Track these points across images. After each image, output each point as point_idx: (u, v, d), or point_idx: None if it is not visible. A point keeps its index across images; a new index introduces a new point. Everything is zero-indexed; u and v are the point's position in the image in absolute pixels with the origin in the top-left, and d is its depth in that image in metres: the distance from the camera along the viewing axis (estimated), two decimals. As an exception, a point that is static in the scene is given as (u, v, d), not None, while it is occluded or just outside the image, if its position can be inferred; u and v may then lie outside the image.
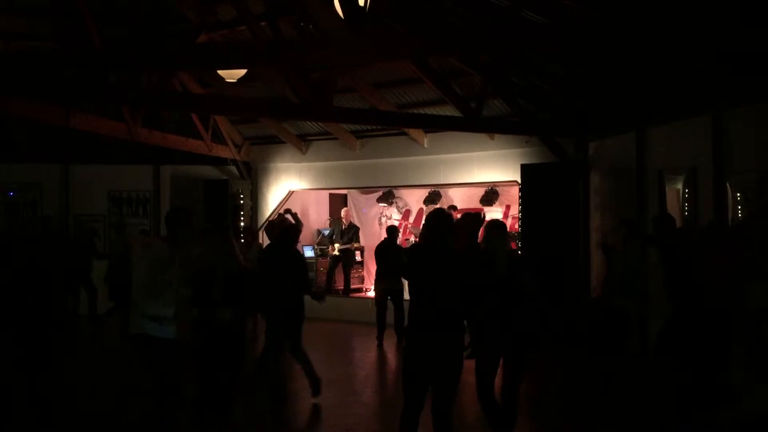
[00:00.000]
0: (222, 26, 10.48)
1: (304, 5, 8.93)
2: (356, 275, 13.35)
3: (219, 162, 13.62)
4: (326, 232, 13.83)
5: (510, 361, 5.25)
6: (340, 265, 13.11)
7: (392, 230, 10.85)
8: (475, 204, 13.09)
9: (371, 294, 13.01)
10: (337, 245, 13.03)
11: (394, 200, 14.29)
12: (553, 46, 6.46)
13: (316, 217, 14.67)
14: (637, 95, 8.54)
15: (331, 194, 14.90)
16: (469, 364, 4.92)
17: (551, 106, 10.08)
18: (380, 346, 10.10)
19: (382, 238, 10.99)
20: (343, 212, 13.60)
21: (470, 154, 11.53)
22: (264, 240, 11.45)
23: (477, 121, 10.08)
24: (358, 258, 13.38)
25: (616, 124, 9.45)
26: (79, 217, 12.53)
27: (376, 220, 14.17)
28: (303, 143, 13.42)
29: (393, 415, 6.51)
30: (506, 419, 5.31)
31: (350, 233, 13.09)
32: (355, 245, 13.02)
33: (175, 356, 5.03)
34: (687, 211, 8.06)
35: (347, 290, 12.99)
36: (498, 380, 5.28)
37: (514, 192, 11.57)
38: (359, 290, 13.26)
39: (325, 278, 13.17)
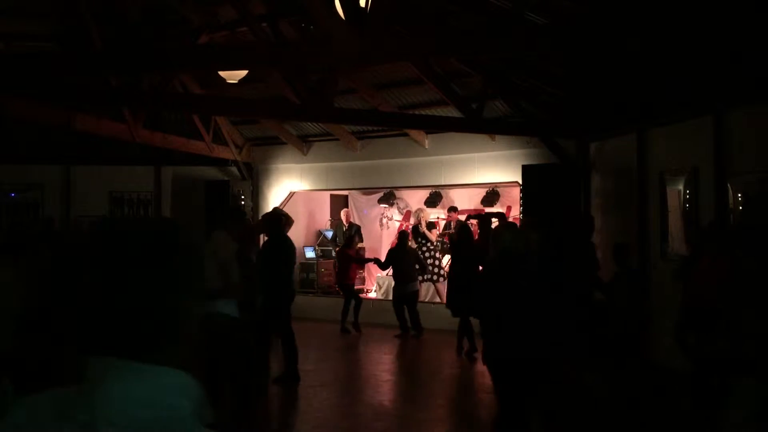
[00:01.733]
0: (223, 27, 10.48)
1: (304, 6, 8.92)
2: (357, 276, 13.38)
3: (220, 163, 13.63)
4: (328, 234, 13.82)
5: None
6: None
7: (403, 235, 11.20)
8: (476, 205, 13.10)
9: (372, 295, 13.06)
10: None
11: (395, 201, 14.30)
12: (554, 47, 6.47)
13: (317, 218, 14.69)
14: (638, 96, 8.54)
15: (332, 195, 14.91)
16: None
17: (552, 107, 10.08)
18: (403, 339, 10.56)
19: (391, 242, 11.25)
20: (342, 213, 13.61)
21: (471, 155, 11.53)
22: None
23: (478, 122, 10.08)
24: None
25: (617, 125, 9.45)
26: (81, 219, 12.53)
27: (377, 221, 14.18)
28: (304, 144, 13.43)
29: (393, 416, 6.53)
30: None
31: (351, 232, 13.09)
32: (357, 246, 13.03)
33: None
34: (688, 212, 8.05)
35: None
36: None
37: (515, 193, 11.57)
38: (360, 291, 13.27)
39: (326, 279, 13.17)
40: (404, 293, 10.62)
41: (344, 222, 13.30)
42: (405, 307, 10.64)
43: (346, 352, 10.19)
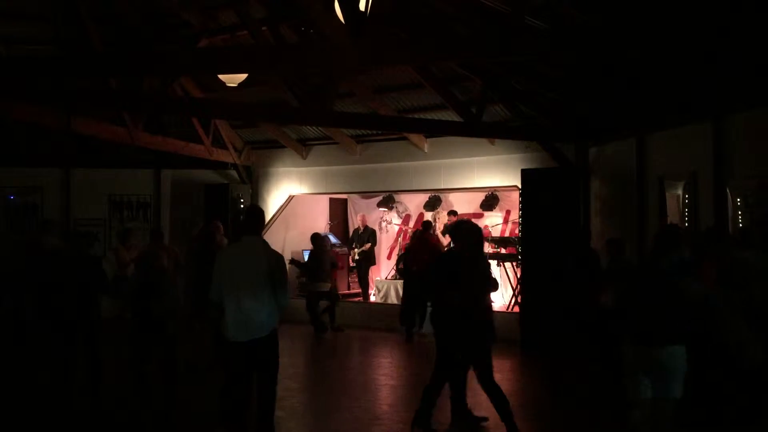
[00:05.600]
0: (223, 31, 10.49)
1: (305, 10, 8.95)
2: (355, 279, 13.40)
3: (219, 166, 13.62)
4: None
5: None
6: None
7: (317, 238, 11.60)
8: (475, 209, 13.10)
9: (372, 299, 13.04)
10: (356, 251, 13.05)
11: (394, 205, 14.29)
12: (554, 51, 6.48)
13: (316, 221, 14.67)
14: (637, 101, 8.55)
15: (331, 199, 14.91)
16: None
17: (552, 111, 10.09)
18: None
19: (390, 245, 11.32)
20: (358, 218, 13.66)
21: (470, 159, 11.54)
22: None
23: (477, 126, 10.07)
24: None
25: (616, 129, 9.46)
26: (79, 221, 12.53)
27: (376, 225, 14.17)
28: (303, 148, 13.43)
29: (392, 420, 6.52)
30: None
31: (366, 236, 13.13)
32: (367, 246, 13.01)
33: None
34: (687, 216, 8.06)
35: (365, 294, 12.98)
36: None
37: (515, 197, 11.57)
38: (357, 294, 13.27)
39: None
40: (315, 291, 11.28)
41: (361, 226, 13.34)
42: (320, 304, 11.28)
43: (344, 356, 10.17)
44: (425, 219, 12.24)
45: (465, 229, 5.96)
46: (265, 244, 5.42)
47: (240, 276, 5.13)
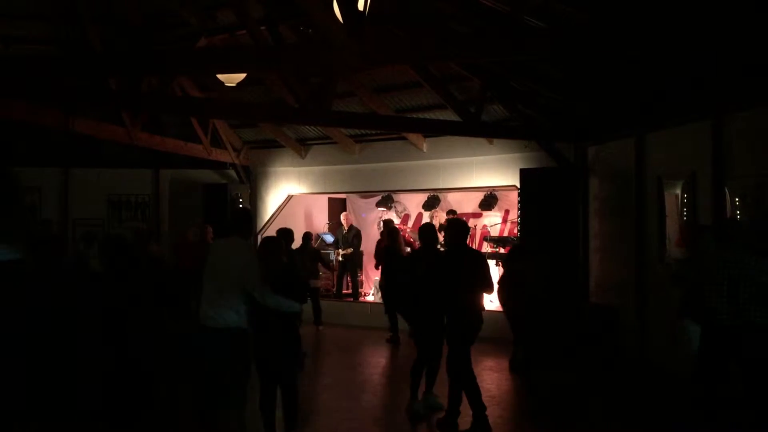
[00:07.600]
0: (222, 31, 10.49)
1: (303, 10, 8.94)
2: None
3: (218, 166, 13.62)
4: (327, 237, 13.79)
5: None
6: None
7: (306, 236, 11.50)
8: (474, 208, 13.12)
9: (370, 298, 13.04)
10: (340, 251, 13.03)
11: (393, 204, 14.30)
12: (553, 51, 6.48)
13: (315, 221, 14.68)
14: (636, 100, 8.56)
15: (330, 198, 14.92)
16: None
17: (550, 111, 10.10)
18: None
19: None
20: (342, 217, 13.62)
21: (469, 159, 11.55)
22: None
23: (476, 126, 10.09)
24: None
25: (615, 129, 9.47)
26: (79, 221, 12.53)
27: (375, 225, 14.17)
28: (302, 147, 13.43)
29: (392, 419, 6.53)
30: None
31: (350, 236, 13.10)
32: (349, 251, 12.99)
33: None
34: (686, 216, 8.07)
35: (356, 295, 12.96)
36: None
37: (513, 197, 11.58)
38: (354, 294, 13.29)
39: (324, 282, 13.16)
40: None
41: (344, 226, 13.31)
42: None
43: (344, 355, 10.17)
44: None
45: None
46: (246, 245, 5.57)
47: (214, 270, 5.47)
